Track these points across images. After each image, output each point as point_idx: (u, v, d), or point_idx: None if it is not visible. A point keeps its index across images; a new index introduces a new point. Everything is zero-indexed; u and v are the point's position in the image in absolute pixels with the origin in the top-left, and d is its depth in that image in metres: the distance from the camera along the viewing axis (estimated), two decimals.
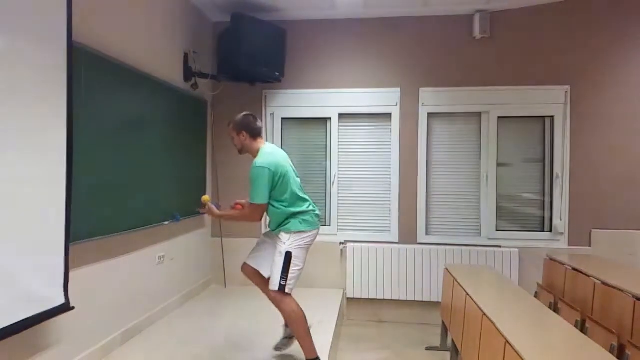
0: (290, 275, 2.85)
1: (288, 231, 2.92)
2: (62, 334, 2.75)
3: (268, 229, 3.17)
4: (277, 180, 2.90)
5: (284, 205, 2.93)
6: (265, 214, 3.01)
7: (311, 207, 3.05)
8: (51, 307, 2.44)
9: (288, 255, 2.86)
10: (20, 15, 2.18)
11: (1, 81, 2.07)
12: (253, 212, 2.95)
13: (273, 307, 2.94)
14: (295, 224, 2.92)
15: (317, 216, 3.08)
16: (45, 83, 2.35)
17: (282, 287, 2.84)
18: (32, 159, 2.27)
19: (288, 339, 3.20)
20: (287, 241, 2.89)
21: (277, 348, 3.20)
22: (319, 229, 3.08)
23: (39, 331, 2.55)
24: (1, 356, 2.29)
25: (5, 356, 2.32)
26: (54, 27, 2.40)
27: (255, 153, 3.00)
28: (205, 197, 3.11)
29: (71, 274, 2.59)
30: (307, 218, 2.97)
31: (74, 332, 2.85)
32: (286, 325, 3.16)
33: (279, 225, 2.97)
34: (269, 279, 2.95)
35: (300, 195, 3.02)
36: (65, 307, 2.54)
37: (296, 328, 2.88)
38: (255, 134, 3.05)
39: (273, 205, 2.95)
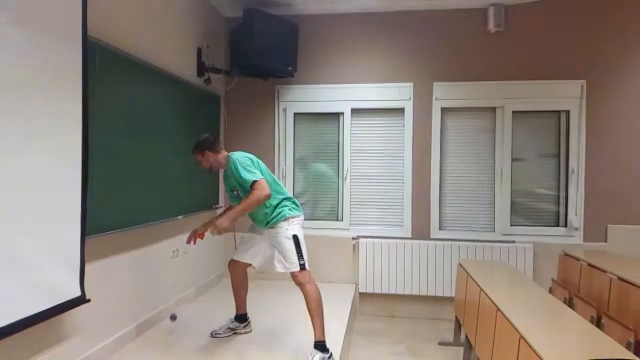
0: (304, 255, 3.05)
1: (285, 218, 3.10)
2: (78, 326, 2.79)
3: (254, 225, 3.30)
4: (256, 167, 3.08)
5: (272, 191, 3.05)
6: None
7: (290, 195, 3.27)
8: (67, 299, 2.47)
9: (295, 238, 3.06)
10: (36, 10, 2.20)
11: (17, 76, 2.10)
12: (258, 191, 2.94)
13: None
14: (287, 210, 3.12)
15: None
16: (61, 77, 2.38)
17: (303, 266, 3.02)
18: (49, 153, 2.30)
19: (231, 329, 3.45)
20: (289, 227, 3.09)
21: (215, 334, 3.42)
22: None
23: (56, 323, 2.58)
24: (19, 347, 2.33)
25: (22, 347, 2.36)
26: (69, 22, 2.43)
27: (224, 160, 3.17)
28: (213, 232, 3.04)
29: (87, 267, 2.62)
30: (293, 205, 3.19)
31: (90, 324, 2.89)
32: (235, 318, 3.48)
33: (272, 215, 3.11)
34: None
35: (279, 183, 3.25)
36: (81, 300, 2.58)
37: (315, 307, 2.99)
38: (218, 149, 3.22)
39: None
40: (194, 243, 3.28)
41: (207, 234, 3.27)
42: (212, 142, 3.21)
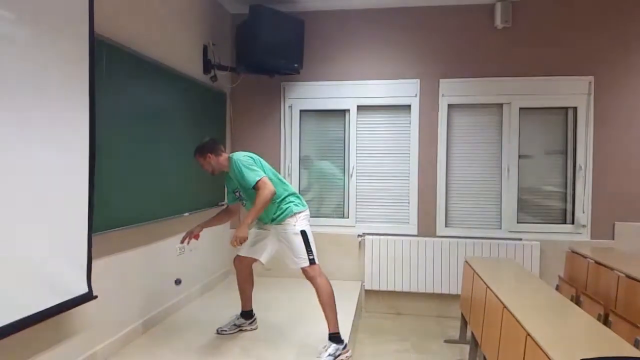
0: (312, 249, 3.09)
1: (291, 214, 3.11)
2: (85, 322, 2.80)
3: (259, 222, 3.30)
4: (258, 165, 3.09)
5: (277, 187, 3.06)
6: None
7: (295, 191, 3.28)
8: (75, 296, 2.49)
9: (304, 233, 3.09)
10: (44, 8, 2.21)
11: (26, 73, 2.11)
12: (264, 190, 2.93)
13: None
14: (292, 207, 3.13)
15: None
16: (68, 75, 2.38)
17: (312, 261, 3.07)
18: (56, 150, 2.31)
19: (237, 326, 3.46)
20: (297, 223, 3.10)
21: (221, 331, 3.43)
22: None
23: (63, 320, 2.60)
24: (26, 343, 2.34)
25: (30, 344, 2.38)
26: (76, 19, 2.43)
27: (226, 161, 3.18)
28: (234, 243, 2.99)
29: (94, 264, 2.64)
30: (298, 201, 3.20)
31: (97, 321, 2.91)
32: (241, 315, 3.48)
33: (277, 212, 3.13)
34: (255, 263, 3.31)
35: (283, 180, 3.25)
36: (88, 297, 2.59)
37: (327, 300, 3.05)
38: (219, 152, 3.22)
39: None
40: (188, 243, 3.34)
41: (201, 235, 3.32)
42: (213, 144, 3.22)
